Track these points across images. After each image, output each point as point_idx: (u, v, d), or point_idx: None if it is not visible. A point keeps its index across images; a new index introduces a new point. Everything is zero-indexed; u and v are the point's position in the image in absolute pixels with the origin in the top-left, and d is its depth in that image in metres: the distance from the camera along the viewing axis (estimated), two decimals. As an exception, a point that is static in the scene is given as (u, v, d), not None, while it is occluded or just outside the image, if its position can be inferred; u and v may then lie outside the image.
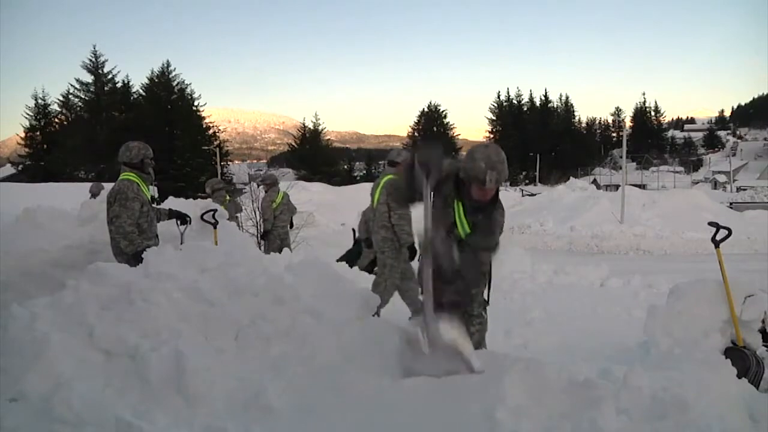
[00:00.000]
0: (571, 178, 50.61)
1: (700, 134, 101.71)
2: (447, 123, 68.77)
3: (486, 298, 3.22)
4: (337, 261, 6.38)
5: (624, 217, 16.85)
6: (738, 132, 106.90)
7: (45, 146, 42.12)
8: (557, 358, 3.92)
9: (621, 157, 28.09)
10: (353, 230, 9.85)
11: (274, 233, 8.62)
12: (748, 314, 3.64)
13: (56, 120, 43.98)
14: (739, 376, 2.82)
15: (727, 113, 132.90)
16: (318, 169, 49.27)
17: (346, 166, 62.46)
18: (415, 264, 4.34)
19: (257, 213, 9.31)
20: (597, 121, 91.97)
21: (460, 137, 73.45)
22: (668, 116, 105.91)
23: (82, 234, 5.45)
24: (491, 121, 75.63)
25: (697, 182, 57.68)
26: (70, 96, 43.30)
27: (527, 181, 63.42)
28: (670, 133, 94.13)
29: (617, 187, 32.89)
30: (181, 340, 2.77)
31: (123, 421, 2.34)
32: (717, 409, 2.38)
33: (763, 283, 4.14)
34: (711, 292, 3.76)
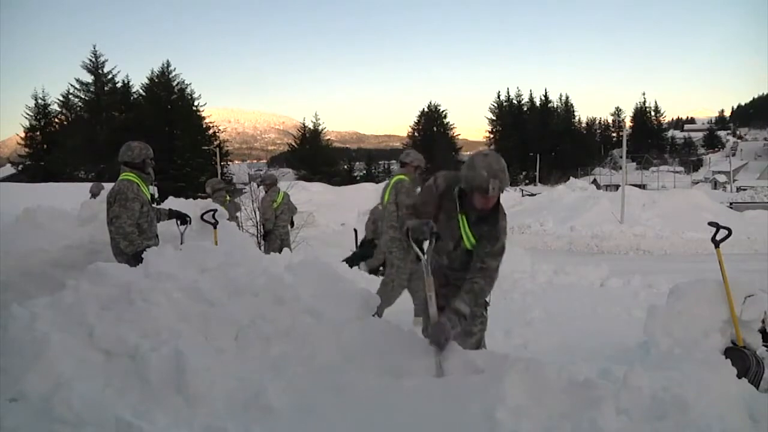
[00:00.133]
0: (571, 178, 50.59)
1: (700, 134, 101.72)
2: (447, 123, 68.67)
3: (487, 299, 3.23)
4: (343, 262, 6.33)
5: (624, 217, 16.86)
6: (738, 132, 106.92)
7: (45, 146, 42.12)
8: (557, 358, 3.93)
9: (621, 157, 28.10)
10: (355, 231, 9.85)
11: (275, 233, 8.65)
12: (748, 314, 3.64)
13: (56, 120, 43.97)
14: (739, 376, 2.82)
15: (727, 113, 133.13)
16: (318, 169, 49.28)
17: (346, 166, 62.46)
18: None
19: (257, 213, 9.31)
20: (597, 121, 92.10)
21: (460, 137, 73.40)
22: (668, 116, 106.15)
23: (82, 234, 5.45)
24: (491, 121, 75.63)
25: (697, 182, 57.69)
26: (70, 96, 43.37)
27: (527, 181, 63.41)
28: (670, 133, 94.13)
29: (617, 187, 32.90)
30: (181, 340, 2.77)
31: (123, 421, 2.34)
32: (717, 409, 2.38)
33: (763, 283, 4.15)
34: (711, 292, 3.76)
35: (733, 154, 72.24)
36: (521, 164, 67.03)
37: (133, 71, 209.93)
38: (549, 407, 2.35)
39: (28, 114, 42.88)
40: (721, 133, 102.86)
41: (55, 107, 43.76)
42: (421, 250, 2.85)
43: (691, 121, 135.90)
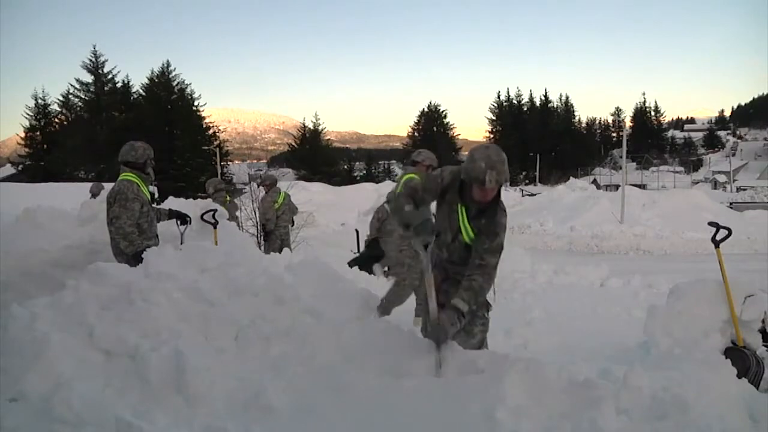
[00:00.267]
0: (571, 178, 50.59)
1: (700, 134, 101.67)
2: (447, 123, 68.75)
3: (489, 302, 3.23)
4: (350, 265, 6.15)
5: (624, 217, 16.86)
6: (738, 132, 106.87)
7: (45, 146, 42.16)
8: (557, 358, 3.92)
9: (621, 157, 28.10)
10: (356, 231, 9.80)
11: (276, 233, 8.68)
12: (748, 314, 3.64)
13: (56, 120, 44.01)
14: (739, 376, 2.81)
15: (727, 113, 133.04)
16: (318, 169, 49.30)
17: (346, 166, 62.44)
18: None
19: (257, 213, 9.32)
20: (597, 121, 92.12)
21: (460, 137, 73.46)
22: (668, 116, 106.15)
23: (82, 234, 5.44)
24: (491, 121, 75.63)
25: (697, 182, 57.68)
26: (70, 96, 43.42)
27: (527, 181, 63.42)
28: (670, 133, 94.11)
29: (617, 187, 32.90)
30: (181, 340, 2.77)
31: (123, 421, 2.34)
32: (717, 409, 2.38)
33: (763, 283, 4.15)
34: (711, 292, 3.76)
35: (733, 154, 72.23)
36: (521, 164, 67.04)
37: (133, 71, 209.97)
38: (549, 407, 2.35)
39: (28, 114, 43.00)
40: (721, 133, 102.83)
41: (55, 107, 43.91)
42: (423, 246, 2.83)
43: (691, 121, 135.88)
